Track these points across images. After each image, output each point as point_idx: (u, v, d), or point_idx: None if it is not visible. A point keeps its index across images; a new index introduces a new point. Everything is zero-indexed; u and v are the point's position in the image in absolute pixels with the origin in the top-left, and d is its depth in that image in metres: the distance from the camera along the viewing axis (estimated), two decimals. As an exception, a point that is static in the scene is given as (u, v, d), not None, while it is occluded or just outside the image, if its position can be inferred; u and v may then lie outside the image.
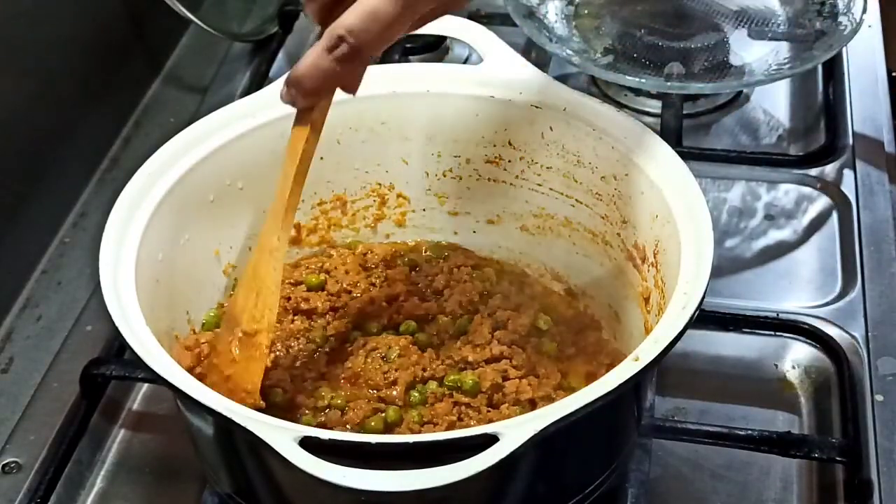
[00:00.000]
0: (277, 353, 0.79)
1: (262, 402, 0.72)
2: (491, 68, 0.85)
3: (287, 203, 0.72)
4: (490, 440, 0.59)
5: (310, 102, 0.70)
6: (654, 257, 0.76)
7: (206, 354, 0.78)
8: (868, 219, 0.99)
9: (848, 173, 1.04)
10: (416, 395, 0.76)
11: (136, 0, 1.14)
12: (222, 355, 0.74)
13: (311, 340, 0.80)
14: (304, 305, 0.82)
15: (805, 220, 1.01)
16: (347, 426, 0.75)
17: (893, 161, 1.05)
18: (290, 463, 0.58)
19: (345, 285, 0.84)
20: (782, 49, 1.09)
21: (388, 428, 0.75)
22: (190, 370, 0.73)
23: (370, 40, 0.64)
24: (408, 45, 1.16)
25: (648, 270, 0.78)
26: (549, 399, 0.75)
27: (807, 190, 1.04)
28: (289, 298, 0.83)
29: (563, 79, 0.84)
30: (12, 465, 0.83)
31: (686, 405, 0.86)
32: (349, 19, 0.64)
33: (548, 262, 0.88)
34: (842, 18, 1.07)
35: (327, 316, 0.82)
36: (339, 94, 0.83)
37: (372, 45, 0.65)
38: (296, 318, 0.82)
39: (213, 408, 0.62)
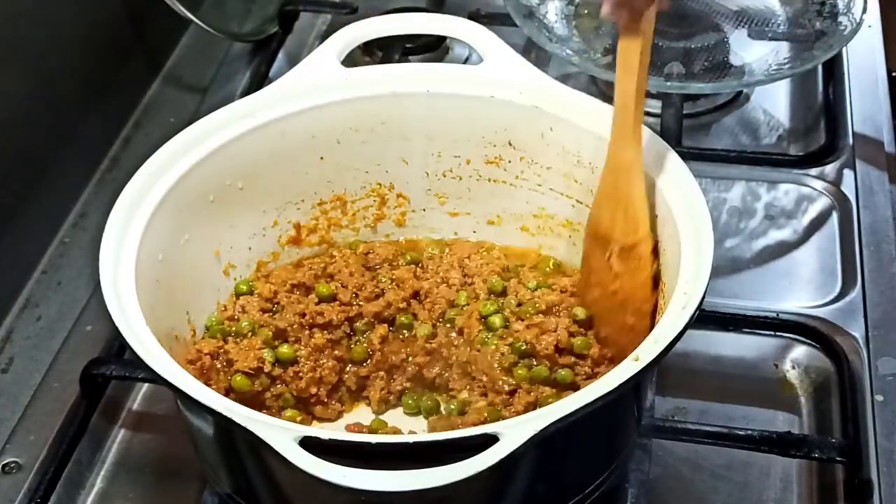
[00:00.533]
0: (310, 372, 0.80)
1: (649, 312, 0.75)
2: (491, 68, 0.85)
3: (634, 116, 0.75)
4: (490, 440, 0.59)
5: (645, 6, 0.72)
6: (655, 257, 0.77)
7: (209, 367, 0.78)
8: (868, 219, 0.99)
9: (848, 173, 1.04)
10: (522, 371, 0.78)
11: (136, 0, 1.14)
12: (600, 272, 0.77)
13: (340, 359, 0.81)
14: (319, 320, 0.82)
15: (805, 220, 1.01)
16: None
17: (893, 161, 1.05)
18: (290, 463, 0.58)
19: (351, 287, 0.84)
20: (782, 49, 1.09)
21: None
22: None
23: None
24: (408, 45, 1.16)
25: (648, 271, 0.78)
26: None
27: (807, 190, 1.04)
28: (304, 314, 0.82)
29: (563, 79, 0.84)
30: (12, 465, 0.83)
31: (686, 405, 0.86)
32: None
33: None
34: (842, 18, 1.07)
35: (343, 326, 0.83)
36: (339, 95, 0.84)
37: None
38: (314, 331, 0.82)
39: (213, 408, 0.62)
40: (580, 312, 0.80)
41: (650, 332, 0.70)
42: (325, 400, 0.80)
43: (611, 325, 0.78)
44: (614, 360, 0.77)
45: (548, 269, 0.87)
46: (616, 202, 0.77)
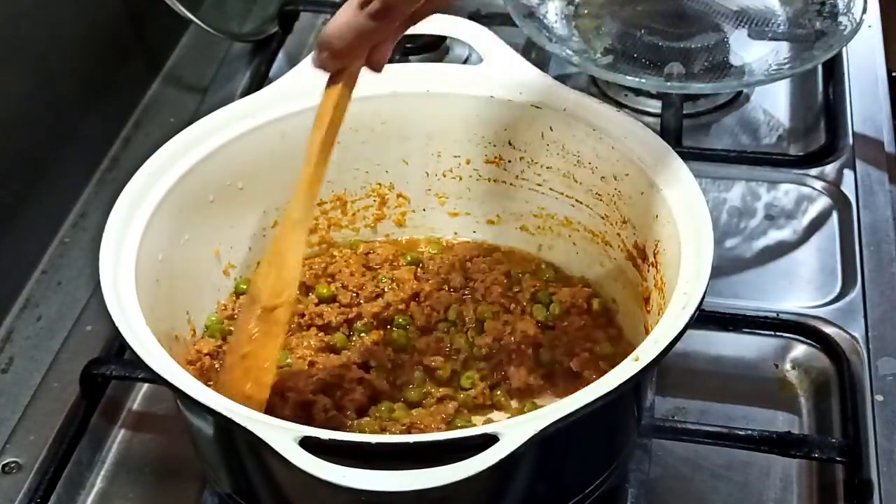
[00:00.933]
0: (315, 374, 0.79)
1: (270, 381, 0.71)
2: (491, 68, 0.85)
3: (312, 174, 0.71)
4: (490, 440, 0.59)
5: (340, 63, 0.68)
6: (654, 257, 0.76)
7: (209, 367, 0.78)
8: (868, 219, 0.99)
9: (848, 173, 1.04)
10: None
11: (136, 0, 1.14)
12: (240, 334, 0.73)
13: (344, 366, 0.80)
14: (318, 321, 0.82)
15: (805, 220, 1.01)
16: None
17: (893, 161, 1.05)
18: (290, 463, 0.58)
19: (351, 287, 0.84)
20: (782, 49, 1.09)
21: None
22: None
23: None
24: (408, 45, 1.16)
25: (648, 270, 0.78)
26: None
27: (807, 190, 1.04)
28: (302, 315, 0.82)
29: (563, 79, 0.84)
30: (12, 465, 0.83)
31: (686, 405, 0.86)
32: None
33: (548, 262, 0.88)
34: (842, 18, 1.07)
35: (342, 328, 0.83)
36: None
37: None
38: (313, 331, 0.82)
39: (213, 408, 0.62)
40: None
41: (262, 407, 0.69)
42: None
43: (231, 386, 0.72)
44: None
45: (548, 276, 0.87)
46: (274, 260, 0.73)
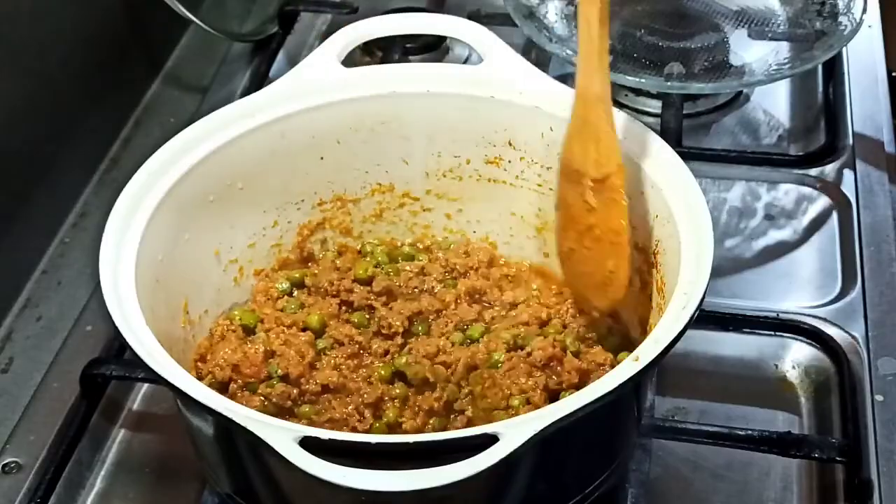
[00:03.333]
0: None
1: (627, 248, 0.75)
2: (491, 68, 0.85)
3: (599, 46, 0.74)
4: (490, 440, 0.59)
5: None
6: (654, 257, 0.76)
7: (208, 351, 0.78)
8: (868, 219, 0.99)
9: (848, 173, 1.04)
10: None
11: (135, 0, 1.14)
12: (575, 209, 0.77)
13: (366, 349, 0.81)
14: (343, 295, 0.84)
15: (805, 220, 1.01)
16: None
17: (893, 161, 1.05)
18: (290, 463, 0.58)
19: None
20: (782, 49, 1.09)
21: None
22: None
23: None
24: (408, 45, 1.16)
25: (649, 271, 0.78)
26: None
27: (807, 190, 1.04)
28: (332, 283, 0.84)
29: (563, 79, 0.84)
30: (12, 465, 0.83)
31: (686, 405, 0.86)
32: None
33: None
34: (842, 18, 1.07)
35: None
36: (339, 95, 0.84)
37: None
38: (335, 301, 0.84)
39: (213, 408, 0.62)
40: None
41: (626, 280, 0.73)
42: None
43: (589, 274, 0.78)
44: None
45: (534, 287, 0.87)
46: (587, 135, 0.76)
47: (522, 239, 0.89)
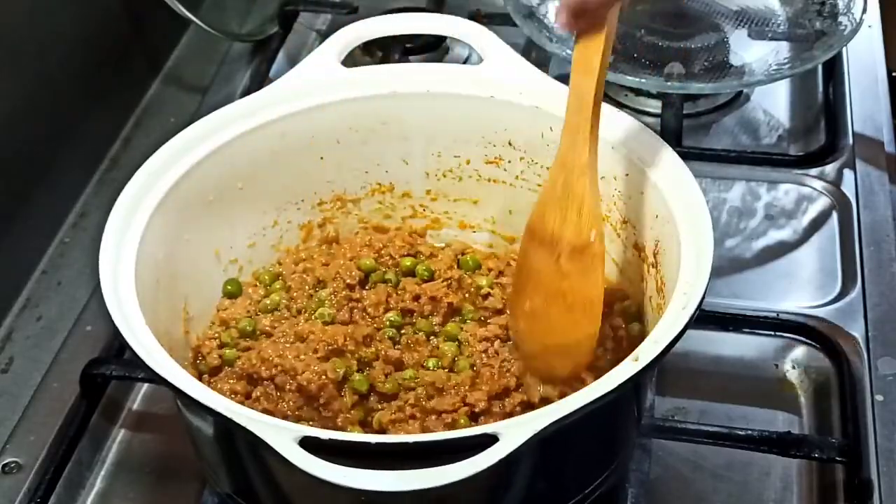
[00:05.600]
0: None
1: (599, 318, 0.73)
2: (491, 68, 0.85)
3: (592, 117, 0.73)
4: (490, 440, 0.59)
5: (605, 11, 0.69)
6: (654, 257, 0.76)
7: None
8: (868, 219, 0.99)
9: (848, 173, 1.04)
10: None
11: (136, 0, 1.14)
12: (544, 273, 0.75)
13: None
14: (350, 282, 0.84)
15: (805, 220, 1.01)
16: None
17: (893, 161, 1.05)
18: (290, 463, 0.58)
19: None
20: (782, 49, 1.09)
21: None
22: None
23: None
24: (408, 45, 1.16)
25: (648, 271, 0.78)
26: None
27: (807, 190, 1.04)
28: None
29: (563, 79, 0.84)
30: (12, 465, 0.83)
31: (686, 405, 0.86)
32: None
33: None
34: (842, 18, 1.07)
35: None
36: (339, 95, 0.84)
37: None
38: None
39: (213, 408, 0.62)
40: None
41: (594, 347, 0.73)
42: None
43: (554, 341, 0.76)
44: None
45: None
46: (569, 203, 0.74)
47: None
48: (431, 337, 0.81)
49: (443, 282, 0.84)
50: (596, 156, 0.74)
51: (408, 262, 0.86)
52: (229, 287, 0.84)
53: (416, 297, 0.83)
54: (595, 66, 0.71)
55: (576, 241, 0.74)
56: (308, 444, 0.59)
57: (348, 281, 0.84)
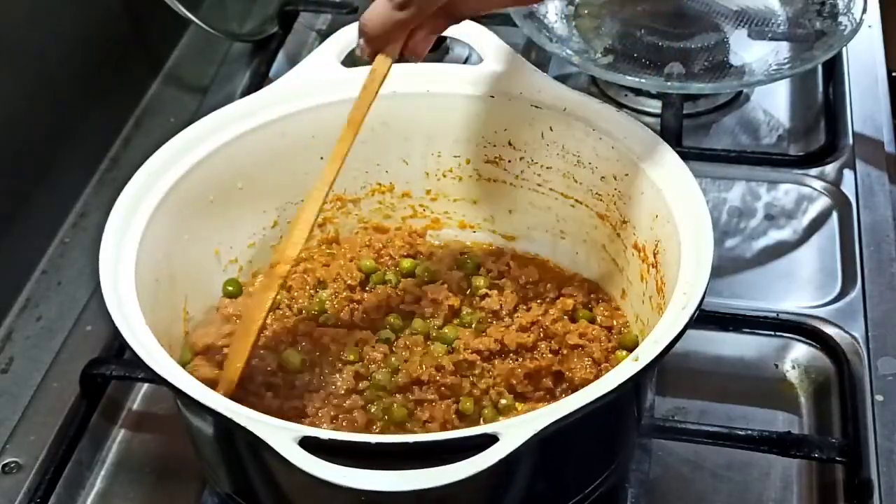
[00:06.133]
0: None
1: (257, 329, 0.73)
2: (491, 68, 0.85)
3: (339, 150, 0.74)
4: (490, 440, 0.59)
5: (374, 49, 0.72)
6: (654, 257, 0.76)
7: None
8: (868, 219, 0.99)
9: (848, 173, 1.04)
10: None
11: (136, 0, 1.14)
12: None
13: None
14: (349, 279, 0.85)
15: (805, 220, 1.01)
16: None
17: (893, 161, 1.05)
18: (289, 463, 0.58)
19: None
20: (782, 49, 1.09)
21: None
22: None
23: None
24: (408, 45, 1.16)
25: (648, 271, 0.78)
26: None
27: (807, 190, 1.04)
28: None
29: (563, 79, 0.84)
30: (12, 465, 0.83)
31: (686, 405, 0.86)
32: None
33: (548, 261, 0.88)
34: (842, 18, 1.07)
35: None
36: (339, 95, 0.84)
37: None
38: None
39: (213, 408, 0.62)
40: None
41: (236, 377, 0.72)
42: None
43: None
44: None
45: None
46: (289, 228, 0.76)
47: (523, 239, 0.89)
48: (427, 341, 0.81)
49: (443, 284, 0.84)
50: (326, 185, 0.74)
51: (407, 263, 0.86)
52: (229, 287, 0.84)
53: (418, 300, 0.83)
54: (343, 153, 0.74)
55: (273, 259, 0.75)
56: (308, 444, 0.59)
57: (349, 282, 0.84)
